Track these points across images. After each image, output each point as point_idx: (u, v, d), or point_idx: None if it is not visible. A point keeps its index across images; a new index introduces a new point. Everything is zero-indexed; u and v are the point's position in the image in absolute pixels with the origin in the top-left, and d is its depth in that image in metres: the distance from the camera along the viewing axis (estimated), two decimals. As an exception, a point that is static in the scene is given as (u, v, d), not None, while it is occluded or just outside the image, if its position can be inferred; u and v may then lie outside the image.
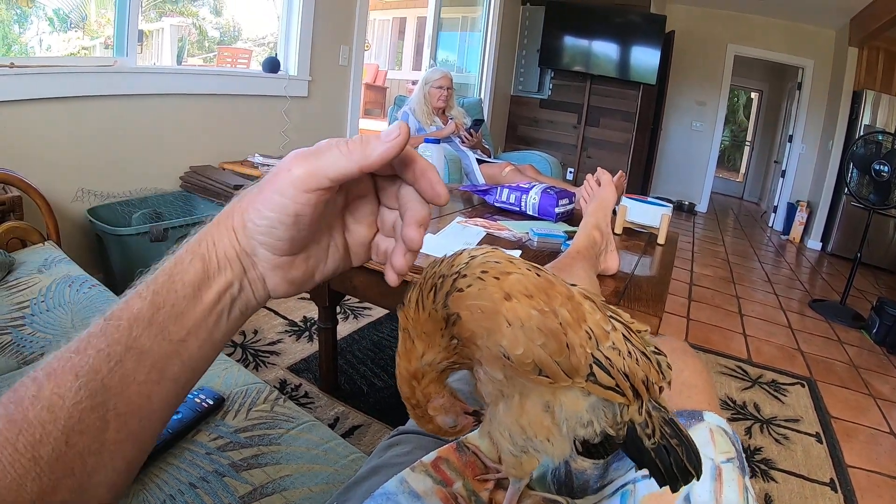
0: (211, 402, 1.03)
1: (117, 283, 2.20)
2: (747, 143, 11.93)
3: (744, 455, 0.62)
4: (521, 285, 0.43)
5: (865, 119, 5.74)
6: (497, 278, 0.43)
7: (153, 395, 0.39)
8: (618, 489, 0.61)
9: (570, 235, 1.61)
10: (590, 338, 0.44)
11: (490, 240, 1.64)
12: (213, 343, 0.42)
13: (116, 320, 0.38)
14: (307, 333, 2.41)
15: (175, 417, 0.97)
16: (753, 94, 11.56)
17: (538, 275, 0.44)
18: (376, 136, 0.40)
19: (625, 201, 1.89)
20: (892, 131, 4.74)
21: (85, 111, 2.27)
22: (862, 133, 5.34)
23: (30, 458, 0.33)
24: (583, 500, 0.66)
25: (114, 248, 2.17)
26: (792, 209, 6.85)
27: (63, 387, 0.35)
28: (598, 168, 1.52)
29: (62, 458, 0.34)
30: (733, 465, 0.59)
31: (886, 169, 3.87)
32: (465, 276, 0.44)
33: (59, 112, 2.18)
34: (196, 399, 1.03)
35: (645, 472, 0.53)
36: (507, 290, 0.42)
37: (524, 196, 1.94)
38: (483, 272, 0.43)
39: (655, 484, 0.52)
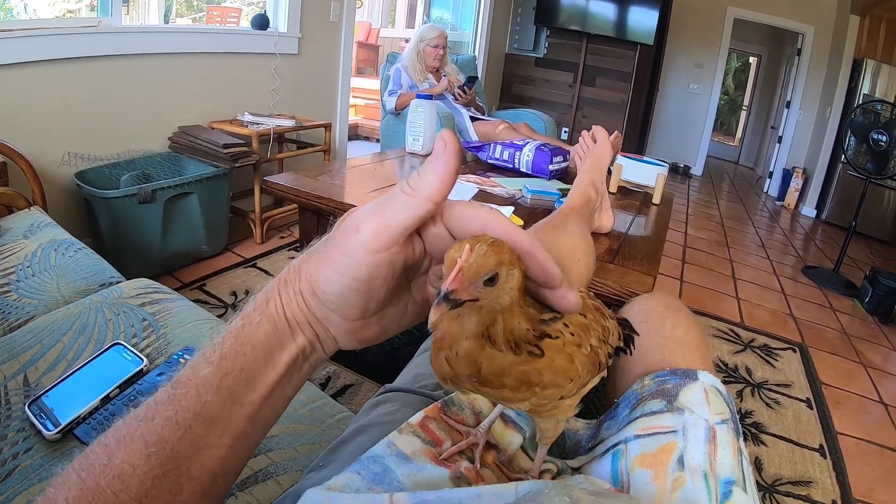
0: (195, 362, 1.00)
1: (107, 247, 2.17)
2: (744, 107, 11.83)
3: (738, 416, 0.60)
4: (577, 335, 0.44)
5: (865, 88, 5.69)
6: (573, 333, 0.44)
7: (227, 457, 0.39)
8: (609, 449, 0.59)
9: (564, 193, 1.59)
10: (604, 342, 0.48)
11: (483, 196, 1.61)
12: (285, 398, 0.42)
13: (183, 387, 0.37)
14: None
15: (159, 378, 0.95)
16: (752, 59, 11.42)
17: (584, 315, 0.46)
18: (429, 160, 0.36)
19: (620, 160, 1.85)
20: (892, 101, 4.69)
21: (70, 74, 2.21)
22: (861, 102, 5.29)
23: None
24: (575, 461, 0.65)
25: (102, 212, 2.14)
26: (787, 175, 6.82)
27: (133, 455, 0.35)
28: (594, 125, 1.48)
29: None
30: (728, 426, 0.57)
31: (885, 138, 3.85)
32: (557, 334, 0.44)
33: (43, 75, 2.12)
34: (181, 360, 1.01)
35: (636, 431, 0.58)
36: (571, 352, 0.43)
37: (518, 153, 1.90)
38: (564, 324, 0.44)
39: (647, 444, 0.55)
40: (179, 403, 0.36)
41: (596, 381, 0.50)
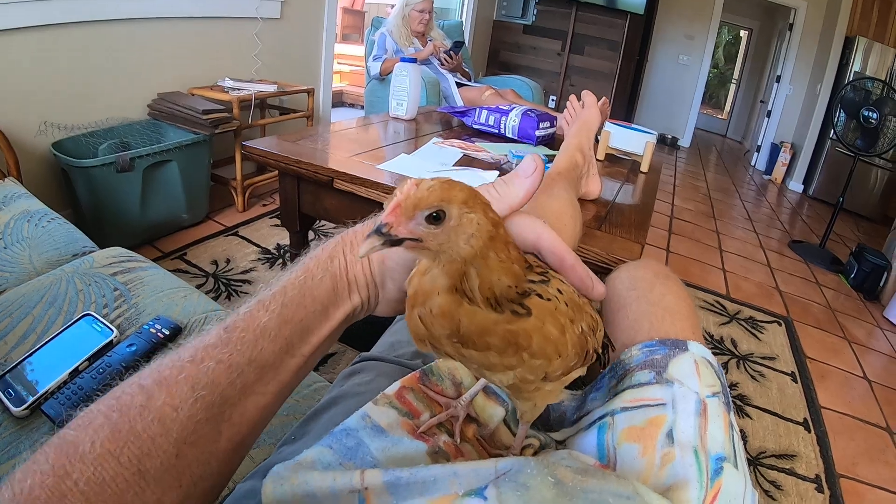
0: (167, 332, 0.98)
1: (85, 218, 2.13)
2: (733, 80, 11.79)
3: (728, 389, 0.58)
4: (570, 309, 0.42)
5: (856, 66, 5.66)
6: (567, 304, 0.41)
7: (268, 406, 0.40)
8: (594, 421, 0.57)
9: (551, 159, 1.55)
10: (594, 333, 0.46)
11: (467, 161, 1.56)
12: (322, 354, 0.44)
13: (241, 332, 0.38)
14: (280, 261, 2.36)
15: (129, 349, 0.92)
16: (743, 32, 11.35)
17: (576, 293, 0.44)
18: (516, 175, 0.42)
19: (608, 126, 1.81)
20: (883, 79, 4.67)
21: (45, 41, 2.13)
22: (851, 79, 5.26)
23: (134, 471, 0.32)
24: (559, 433, 0.62)
25: (80, 182, 2.08)
26: (775, 150, 6.81)
27: (177, 398, 0.34)
28: (584, 90, 1.44)
29: (170, 471, 0.33)
30: (719, 399, 0.54)
31: (875, 116, 3.87)
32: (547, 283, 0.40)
33: (17, 43, 2.04)
34: (151, 329, 0.98)
35: (623, 403, 0.55)
36: (563, 323, 0.40)
37: (504, 118, 1.85)
38: (559, 291, 0.41)
39: (634, 416, 0.53)
40: (235, 347, 0.37)
41: (576, 374, 0.47)
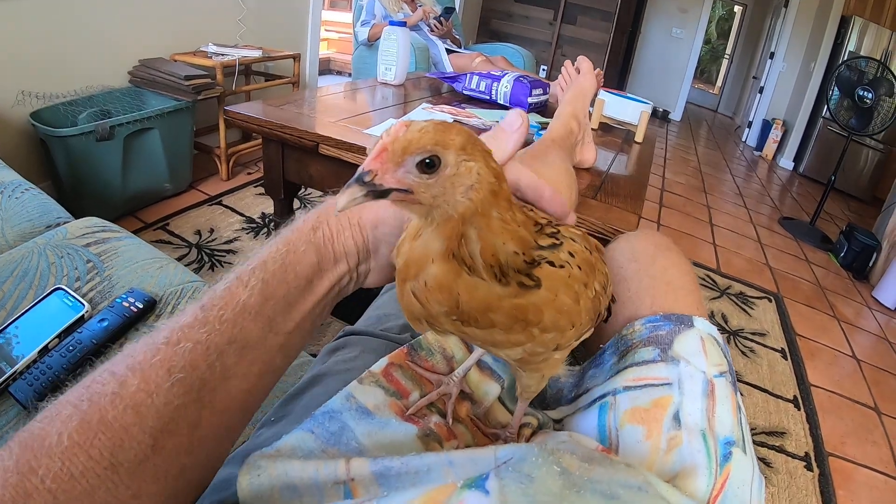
0: (141, 306, 0.93)
1: (66, 189, 2.08)
2: (726, 56, 11.76)
3: (733, 368, 0.54)
4: (584, 272, 0.38)
5: (851, 45, 5.64)
6: (580, 267, 0.37)
7: (252, 390, 0.37)
8: (594, 400, 0.53)
9: (544, 127, 1.51)
10: (605, 290, 0.43)
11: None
12: (308, 332, 0.41)
13: (219, 310, 0.35)
14: (265, 230, 2.32)
15: (101, 325, 0.88)
16: (737, 8, 11.27)
17: (587, 248, 0.39)
18: (501, 129, 0.41)
19: (603, 95, 1.77)
20: (878, 59, 4.64)
21: (22, 6, 2.04)
22: (846, 58, 5.22)
23: (106, 465, 0.29)
24: (556, 412, 0.59)
25: (59, 152, 2.02)
26: (767, 126, 6.80)
27: (152, 383, 0.32)
28: (579, 55, 1.39)
29: (146, 463, 0.31)
30: (726, 379, 0.51)
31: (870, 95, 3.86)
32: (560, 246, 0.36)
33: None
34: (124, 303, 0.93)
35: (626, 382, 0.52)
36: (578, 291, 0.37)
37: (495, 84, 1.79)
38: (570, 254, 0.36)
39: (638, 397, 0.49)
40: (213, 326, 0.35)
41: (586, 335, 0.44)
